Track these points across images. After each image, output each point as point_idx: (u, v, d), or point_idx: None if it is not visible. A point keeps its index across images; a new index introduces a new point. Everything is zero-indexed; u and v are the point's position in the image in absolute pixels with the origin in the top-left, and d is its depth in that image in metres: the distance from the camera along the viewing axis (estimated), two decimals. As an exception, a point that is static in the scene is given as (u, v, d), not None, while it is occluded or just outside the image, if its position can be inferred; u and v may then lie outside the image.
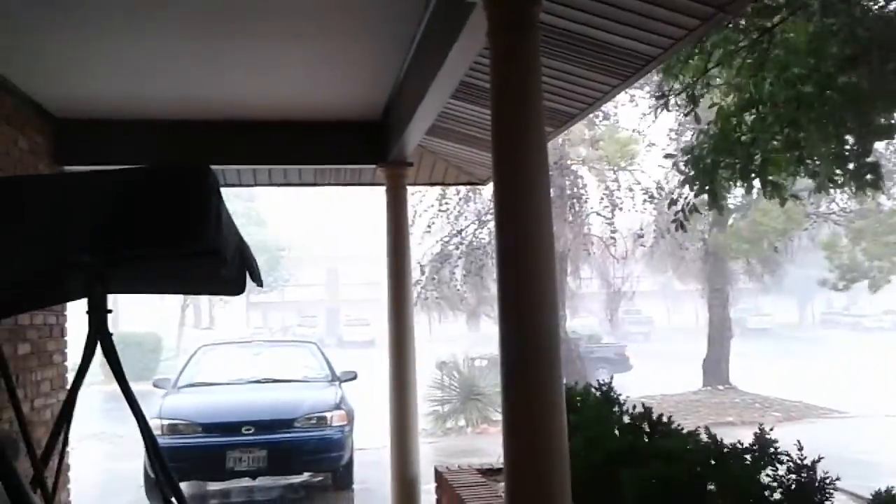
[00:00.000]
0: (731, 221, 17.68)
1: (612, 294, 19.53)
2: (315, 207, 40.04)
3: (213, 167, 2.79)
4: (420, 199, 15.88)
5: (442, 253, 16.97)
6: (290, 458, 7.96)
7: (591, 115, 15.08)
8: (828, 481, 3.32)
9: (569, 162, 16.03)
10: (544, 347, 2.92)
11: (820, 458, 3.43)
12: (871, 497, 2.71)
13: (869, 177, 5.40)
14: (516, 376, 2.97)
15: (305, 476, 8.99)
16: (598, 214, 16.28)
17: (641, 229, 16.70)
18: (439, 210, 16.35)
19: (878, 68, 4.35)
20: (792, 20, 4.75)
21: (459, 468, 5.89)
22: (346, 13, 4.14)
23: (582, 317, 26.33)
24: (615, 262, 17.62)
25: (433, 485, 6.00)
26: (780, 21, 5.03)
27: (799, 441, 3.50)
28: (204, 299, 38.69)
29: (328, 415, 8.17)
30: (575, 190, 16.36)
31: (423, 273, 16.93)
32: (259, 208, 37.91)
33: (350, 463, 8.49)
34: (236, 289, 3.42)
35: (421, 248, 16.85)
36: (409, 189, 6.78)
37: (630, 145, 15.75)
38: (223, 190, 2.83)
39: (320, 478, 8.92)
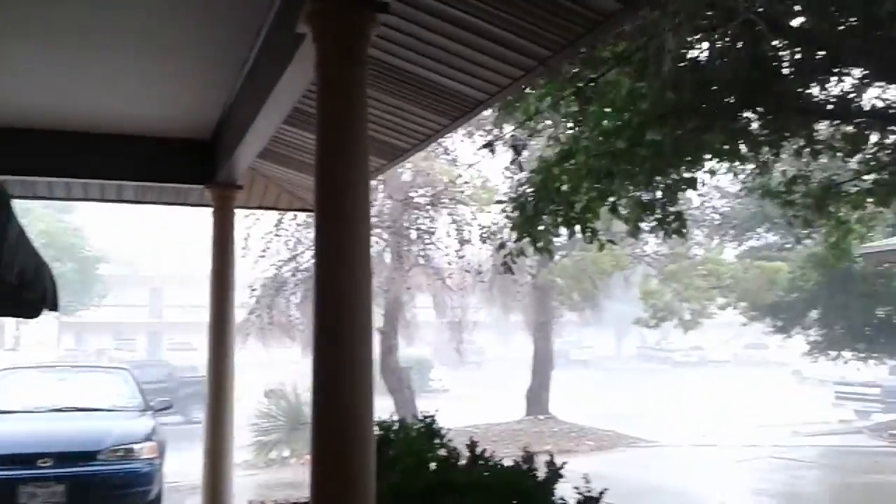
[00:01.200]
0: (556, 258, 18.61)
1: (448, 325, 19.88)
2: (140, 224, 37.87)
3: (17, 177, 2.58)
4: (254, 221, 15.49)
5: (276, 279, 16.59)
6: (91, 493, 7.39)
7: (431, 151, 15.48)
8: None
9: (412, 196, 16.27)
10: (357, 379, 2.92)
11: (605, 490, 3.67)
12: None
13: (674, 224, 5.89)
14: (327, 407, 2.95)
15: (110, 511, 8.38)
16: (444, 248, 16.61)
17: (480, 265, 17.19)
18: (275, 235, 16.02)
19: (679, 127, 4.78)
20: (613, 74, 5.14)
21: (275, 503, 5.74)
22: (178, 32, 4.02)
23: (416, 346, 26.59)
24: (451, 294, 17.99)
25: (247, 520, 5.81)
26: (601, 74, 5.40)
27: (587, 475, 3.73)
28: (8, 318, 35.40)
29: (137, 447, 7.68)
30: (420, 224, 16.60)
31: (257, 300, 16.48)
32: (76, 221, 35.40)
33: (158, 498, 8.02)
34: (31, 312, 3.17)
35: (254, 273, 16.39)
36: (244, 212, 6.60)
37: (465, 174, 16.24)
38: (29, 203, 2.62)
39: (126, 513, 8.35)
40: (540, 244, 5.52)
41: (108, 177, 6.28)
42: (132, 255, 42.18)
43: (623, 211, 5.89)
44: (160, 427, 8.38)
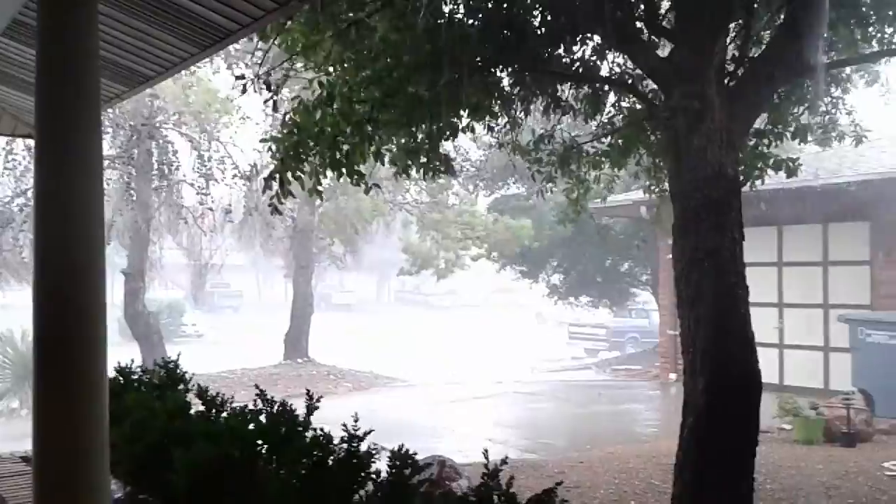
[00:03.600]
0: (318, 203, 18.51)
1: (198, 267, 19.06)
2: None
3: None
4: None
5: (2, 215, 14.81)
6: None
7: (182, 79, 14.48)
8: (374, 450, 3.65)
9: (158, 124, 15.15)
10: (86, 322, 2.73)
11: (370, 431, 3.76)
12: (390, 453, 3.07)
13: (439, 165, 6.08)
14: (51, 354, 2.74)
15: None
16: (191, 185, 15.71)
17: (230, 205, 16.55)
18: (4, 168, 14.27)
19: (435, 80, 4.90)
20: (378, 16, 5.11)
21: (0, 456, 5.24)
22: None
23: (168, 289, 25.26)
24: (203, 235, 17.20)
25: (-36, 478, 5.22)
26: (368, 15, 5.33)
27: (356, 413, 3.79)
28: None
29: None
30: (165, 157, 15.53)
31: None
32: None
33: None
34: None
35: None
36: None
37: (221, 105, 15.46)
38: None
39: None
40: (308, 186, 5.42)
41: None
42: None
43: (388, 156, 5.96)
44: None
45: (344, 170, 5.43)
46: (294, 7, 3.83)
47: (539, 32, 5.69)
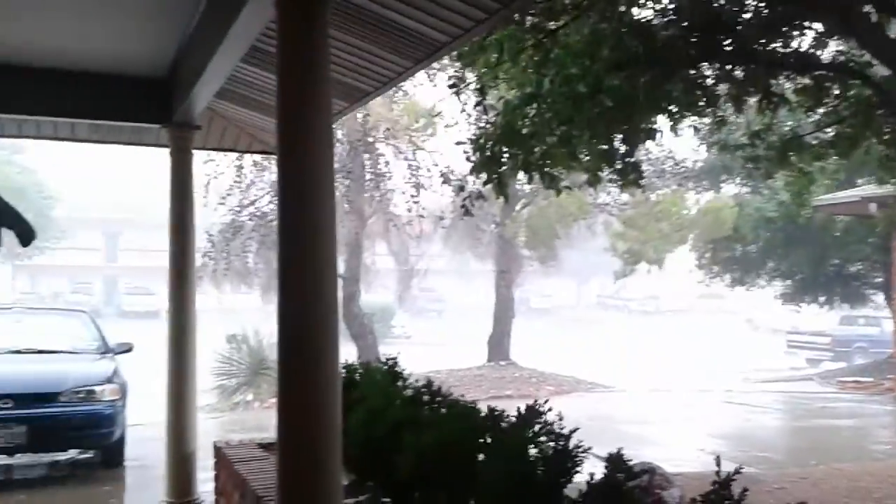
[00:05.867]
0: (518, 207, 18.69)
1: (406, 272, 19.96)
2: (93, 165, 36.91)
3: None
4: (215, 166, 15.23)
5: (233, 224, 16.40)
6: (53, 434, 7.45)
7: (391, 95, 15.27)
8: (580, 449, 3.66)
9: (371, 140, 16.07)
10: (322, 322, 2.93)
11: (576, 429, 3.77)
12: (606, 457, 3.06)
13: (631, 175, 5.95)
14: (293, 351, 2.96)
15: (72, 453, 8.40)
16: (402, 193, 16.50)
17: (441, 211, 17.16)
18: (235, 180, 15.78)
19: (638, 76, 4.80)
20: (573, 24, 5.10)
21: (240, 443, 5.78)
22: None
23: (377, 292, 26.69)
24: (412, 241, 18.00)
25: (213, 460, 5.85)
26: (564, 24, 5.36)
27: (560, 413, 3.84)
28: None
29: (98, 388, 7.69)
30: (378, 168, 16.45)
31: (212, 244, 16.29)
32: (28, 162, 34.41)
33: (121, 439, 8.06)
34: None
35: (213, 218, 16.18)
36: (202, 155, 6.48)
37: (426, 116, 16.07)
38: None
39: (89, 454, 8.37)
40: (499, 187, 5.54)
41: (60, 114, 6.07)
42: (86, 197, 41.23)
43: (583, 160, 5.93)
44: (121, 370, 8.36)
45: (536, 172, 5.47)
46: (500, 17, 3.93)
47: (753, 24, 5.40)
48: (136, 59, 5.47)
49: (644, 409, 13.58)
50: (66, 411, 7.47)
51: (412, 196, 15.96)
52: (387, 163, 16.31)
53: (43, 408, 7.36)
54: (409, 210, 16.14)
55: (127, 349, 8.77)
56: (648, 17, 5.12)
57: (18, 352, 8.28)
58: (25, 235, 3.00)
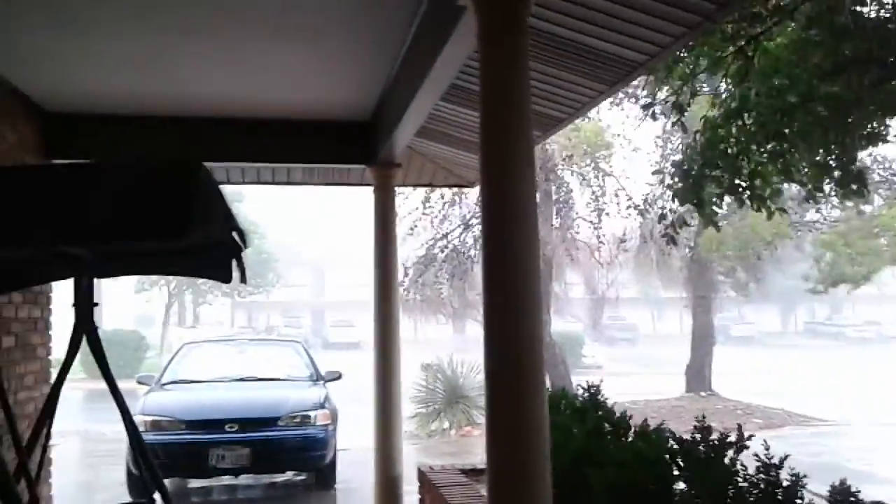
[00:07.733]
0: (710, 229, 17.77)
1: (596, 300, 19.61)
2: (302, 207, 39.90)
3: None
4: (402, 201, 15.90)
5: (427, 256, 16.97)
6: (273, 456, 7.96)
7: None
8: (798, 482, 3.40)
9: (553, 165, 16.08)
10: (528, 352, 2.94)
11: (787, 456, 3.50)
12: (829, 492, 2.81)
13: (854, 185, 5.46)
14: (501, 380, 2.99)
15: (288, 475, 8.99)
16: (585, 220, 16.33)
17: (625, 235, 16.77)
18: (423, 213, 16.37)
19: (858, 80, 4.43)
20: (777, 29, 4.82)
21: (443, 468, 5.91)
22: (337, 14, 4.17)
23: (567, 321, 26.42)
24: (600, 268, 17.68)
25: (416, 485, 6.02)
26: (766, 29, 5.09)
27: (765, 441, 3.57)
28: (188, 298, 38.57)
29: (312, 414, 8.17)
30: (561, 195, 16.41)
31: (406, 275, 16.94)
32: (246, 210, 37.76)
33: (333, 462, 8.48)
34: (223, 276, 3.43)
35: (402, 251, 16.85)
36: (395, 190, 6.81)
37: (601, 136, 15.81)
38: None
39: (303, 477, 8.92)
40: (706, 212, 5.28)
41: (279, 160, 6.68)
42: (295, 238, 44.52)
43: (796, 175, 5.54)
44: (331, 396, 8.85)
45: (745, 194, 5.17)
46: (701, 30, 3.80)
47: None
48: (344, 105, 5.88)
49: (871, 445, 12.31)
50: (284, 435, 7.97)
51: (594, 223, 15.74)
52: (570, 190, 16.23)
53: (264, 431, 7.90)
54: (599, 238, 15.92)
55: (336, 377, 9.27)
56: (866, 13, 4.72)
57: (242, 379, 9.02)
58: (244, 272, 3.27)
